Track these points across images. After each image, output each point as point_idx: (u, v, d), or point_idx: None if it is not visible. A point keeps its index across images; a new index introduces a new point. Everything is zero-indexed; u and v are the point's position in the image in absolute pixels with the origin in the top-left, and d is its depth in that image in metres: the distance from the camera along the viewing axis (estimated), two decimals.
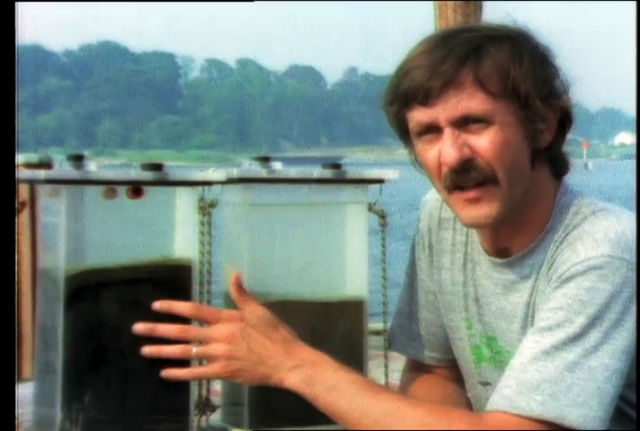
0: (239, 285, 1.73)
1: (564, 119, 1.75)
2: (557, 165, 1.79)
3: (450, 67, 1.66)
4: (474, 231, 1.86)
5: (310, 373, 1.66)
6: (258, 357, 1.67)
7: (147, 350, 1.68)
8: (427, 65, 1.67)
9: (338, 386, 1.64)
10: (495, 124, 1.68)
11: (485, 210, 1.71)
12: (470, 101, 1.67)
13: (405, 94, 1.70)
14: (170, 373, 1.69)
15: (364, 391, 1.64)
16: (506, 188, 1.70)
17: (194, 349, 1.68)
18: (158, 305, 1.69)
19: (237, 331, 1.67)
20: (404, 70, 1.71)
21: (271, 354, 1.67)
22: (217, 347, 1.67)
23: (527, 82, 1.68)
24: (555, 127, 1.74)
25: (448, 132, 1.69)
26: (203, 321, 1.71)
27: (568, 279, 1.65)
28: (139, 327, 1.68)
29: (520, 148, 1.71)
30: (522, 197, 1.73)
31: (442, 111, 1.68)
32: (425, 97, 1.68)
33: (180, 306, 1.70)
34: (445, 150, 1.69)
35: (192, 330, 1.69)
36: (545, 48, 1.74)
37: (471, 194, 1.70)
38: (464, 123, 1.68)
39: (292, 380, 1.66)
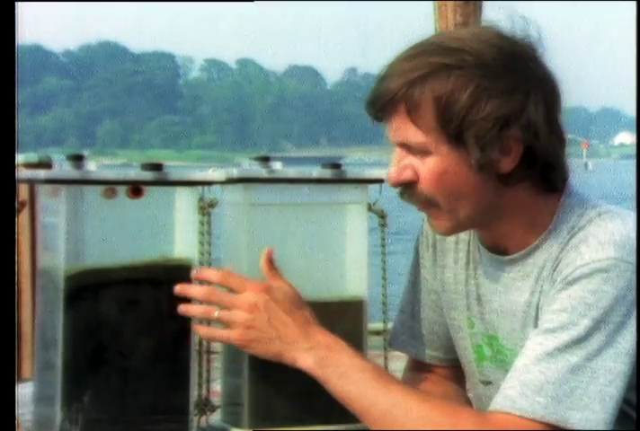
0: (270, 260, 1.77)
1: (535, 146, 1.68)
2: (546, 178, 1.74)
3: (389, 96, 1.68)
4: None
5: (324, 356, 1.68)
6: (276, 332, 1.69)
7: (182, 308, 1.73)
8: (377, 88, 1.70)
9: (350, 372, 1.66)
10: (433, 154, 1.69)
11: (439, 224, 1.76)
12: (406, 131, 1.69)
13: (366, 110, 1.74)
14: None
15: (375, 380, 1.65)
16: (449, 212, 1.72)
17: (216, 312, 1.72)
18: (194, 273, 1.76)
19: (261, 303, 1.70)
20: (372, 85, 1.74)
21: (289, 332, 1.69)
22: (238, 314, 1.70)
23: (460, 116, 1.64)
24: (519, 154, 1.68)
25: (396, 151, 1.72)
26: (230, 289, 1.74)
27: (573, 282, 1.65)
28: (176, 288, 1.74)
29: (465, 177, 1.69)
30: (489, 213, 1.73)
31: (388, 132, 1.73)
32: (375, 118, 1.73)
33: (209, 273, 1.76)
34: (389, 168, 1.73)
35: (218, 294, 1.73)
36: (514, 73, 1.66)
37: (421, 209, 1.75)
38: (408, 147, 1.71)
39: (305, 360, 1.68)
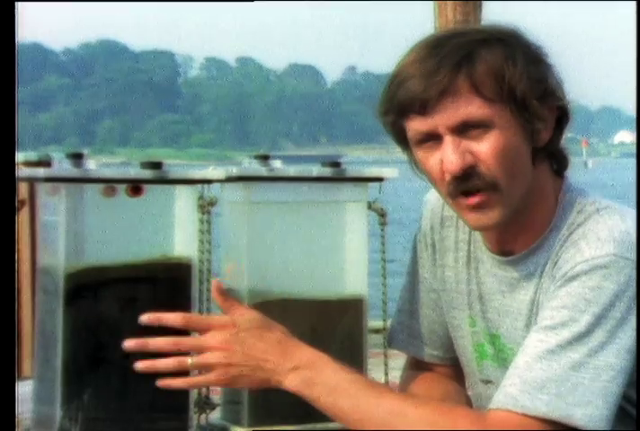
0: (222, 293, 1.69)
1: (561, 116, 1.75)
2: (557, 161, 1.79)
3: (445, 76, 1.66)
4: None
5: (309, 375, 1.64)
6: (255, 362, 1.64)
7: (141, 365, 1.64)
8: (421, 74, 1.67)
9: (339, 387, 1.63)
10: (495, 128, 1.68)
11: (490, 215, 1.71)
12: (468, 107, 1.67)
13: (401, 105, 1.69)
14: (165, 382, 1.64)
15: (365, 391, 1.63)
16: (507, 194, 1.70)
17: (189, 360, 1.64)
18: (146, 319, 1.65)
19: (231, 338, 1.64)
20: (397, 80, 1.70)
21: (268, 357, 1.64)
22: (212, 356, 1.64)
23: (522, 83, 1.68)
24: (553, 125, 1.74)
25: (448, 139, 1.68)
26: (194, 331, 1.68)
27: (572, 278, 1.65)
28: (130, 344, 1.64)
29: (520, 150, 1.70)
30: (525, 197, 1.73)
31: (441, 120, 1.67)
32: (422, 107, 1.67)
33: (169, 318, 1.66)
34: (447, 158, 1.68)
35: (185, 341, 1.66)
36: (536, 46, 1.73)
37: (474, 199, 1.70)
38: (464, 129, 1.68)
39: (291, 382, 1.64)
